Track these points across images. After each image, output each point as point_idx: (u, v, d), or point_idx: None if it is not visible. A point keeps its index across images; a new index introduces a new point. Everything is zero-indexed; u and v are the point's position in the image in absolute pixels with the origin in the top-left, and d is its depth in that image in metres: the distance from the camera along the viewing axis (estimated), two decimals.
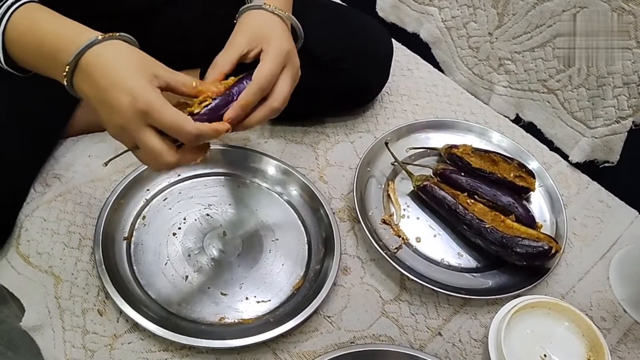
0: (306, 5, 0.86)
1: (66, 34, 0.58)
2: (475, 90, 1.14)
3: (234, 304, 0.77)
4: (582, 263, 0.90)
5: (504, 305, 0.81)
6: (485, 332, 0.79)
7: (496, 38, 1.07)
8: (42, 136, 0.83)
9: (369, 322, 0.79)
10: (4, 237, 0.78)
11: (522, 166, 0.93)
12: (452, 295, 0.80)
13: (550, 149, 1.06)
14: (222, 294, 0.77)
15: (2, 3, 0.60)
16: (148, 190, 0.86)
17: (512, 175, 0.92)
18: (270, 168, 0.91)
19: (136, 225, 0.82)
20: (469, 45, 1.12)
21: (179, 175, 0.89)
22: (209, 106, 0.63)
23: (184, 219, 0.84)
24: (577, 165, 1.03)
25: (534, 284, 0.83)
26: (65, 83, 0.58)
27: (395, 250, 0.85)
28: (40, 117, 0.82)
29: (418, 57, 1.18)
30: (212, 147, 0.90)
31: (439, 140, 1.00)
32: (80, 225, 0.81)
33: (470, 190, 0.89)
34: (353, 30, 0.94)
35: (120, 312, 0.72)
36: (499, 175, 0.91)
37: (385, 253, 0.81)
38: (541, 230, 0.86)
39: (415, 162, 0.96)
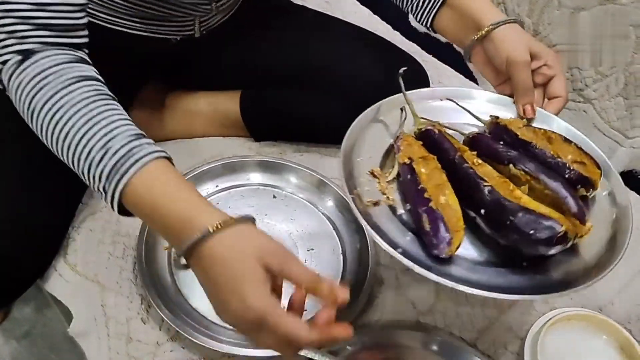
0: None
1: (183, 214, 0.55)
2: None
3: None
4: (622, 275, 0.89)
5: (540, 317, 0.80)
6: (521, 344, 0.79)
7: None
8: None
9: None
10: (53, 254, 0.80)
11: (584, 152, 0.68)
12: (493, 297, 0.58)
13: None
14: None
15: (121, 164, 0.56)
16: None
17: (570, 158, 0.67)
18: (306, 179, 0.93)
19: None
20: None
21: (217, 186, 0.91)
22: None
23: None
24: None
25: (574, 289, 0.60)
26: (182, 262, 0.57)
27: (369, 204, 0.64)
28: None
29: (449, 68, 1.18)
30: (248, 159, 0.94)
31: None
32: (124, 235, 0.84)
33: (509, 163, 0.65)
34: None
35: (163, 320, 0.75)
36: (554, 154, 0.67)
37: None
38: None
39: (446, 125, 0.73)
